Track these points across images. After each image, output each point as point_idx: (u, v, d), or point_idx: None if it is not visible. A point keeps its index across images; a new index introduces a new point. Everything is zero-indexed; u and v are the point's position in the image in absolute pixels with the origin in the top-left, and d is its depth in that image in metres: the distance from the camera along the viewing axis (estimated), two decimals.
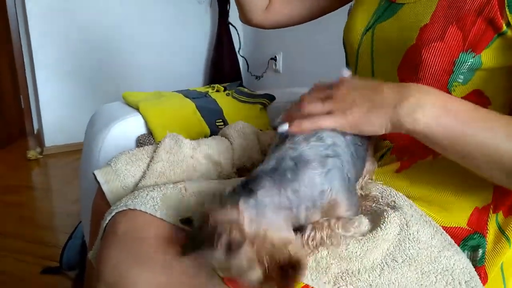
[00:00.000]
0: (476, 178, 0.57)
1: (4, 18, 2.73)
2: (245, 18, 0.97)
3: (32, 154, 2.57)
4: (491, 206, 0.66)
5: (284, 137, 0.53)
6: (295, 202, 0.47)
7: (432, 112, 0.52)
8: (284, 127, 0.54)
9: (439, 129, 0.52)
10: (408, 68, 0.65)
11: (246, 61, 3.04)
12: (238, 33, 2.93)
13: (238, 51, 2.97)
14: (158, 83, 2.82)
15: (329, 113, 0.55)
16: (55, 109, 2.65)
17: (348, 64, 0.83)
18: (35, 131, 2.96)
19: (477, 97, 0.63)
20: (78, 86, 2.69)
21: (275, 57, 2.75)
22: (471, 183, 0.64)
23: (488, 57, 0.59)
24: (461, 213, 0.66)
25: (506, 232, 0.65)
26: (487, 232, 0.66)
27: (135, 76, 2.83)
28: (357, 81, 0.57)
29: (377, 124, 0.53)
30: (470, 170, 0.56)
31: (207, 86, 1.42)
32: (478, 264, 0.64)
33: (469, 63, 0.59)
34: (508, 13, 0.56)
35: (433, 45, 0.60)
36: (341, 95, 0.55)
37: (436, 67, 0.61)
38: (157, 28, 2.85)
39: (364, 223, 0.56)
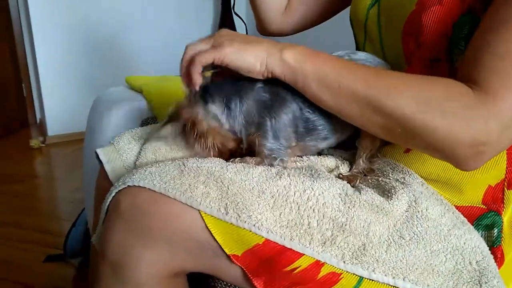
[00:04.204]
0: None
1: (5, 4, 2.70)
2: (262, 29, 0.95)
3: (34, 143, 2.57)
4: (505, 183, 0.65)
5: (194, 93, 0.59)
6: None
7: (300, 51, 0.56)
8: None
9: (306, 64, 0.55)
10: (410, 35, 0.63)
11: None
12: (244, 22, 2.88)
13: None
14: (161, 70, 2.80)
15: (210, 48, 0.58)
16: (58, 98, 2.64)
17: (357, 41, 0.81)
18: (38, 120, 2.95)
19: None
20: (81, 75, 2.67)
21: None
22: None
23: None
24: (474, 192, 0.65)
25: None
26: (503, 210, 0.65)
27: (138, 65, 2.81)
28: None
29: (251, 59, 0.56)
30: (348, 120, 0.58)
31: (211, 70, 1.40)
32: (495, 245, 0.63)
33: (468, 26, 0.58)
34: None
35: (432, 9, 0.59)
36: (220, 35, 0.60)
37: (435, 31, 0.59)
38: (161, 15, 2.83)
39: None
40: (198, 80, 0.58)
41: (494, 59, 0.50)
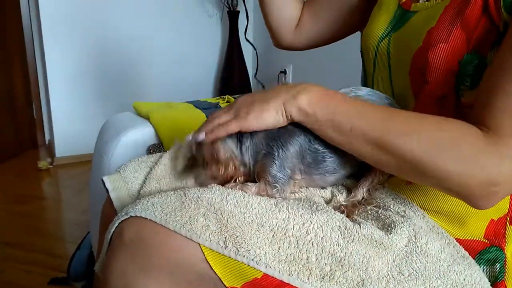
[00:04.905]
0: None
1: (18, 28, 2.76)
2: (276, 41, 0.99)
3: (42, 164, 2.59)
4: (507, 218, 0.65)
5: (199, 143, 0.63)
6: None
7: (314, 94, 0.58)
8: (201, 136, 0.62)
9: (320, 109, 0.58)
10: (417, 71, 0.65)
11: (256, 75, 3.05)
12: (253, 47, 2.94)
13: (256, 71, 2.97)
14: (169, 94, 2.84)
15: (233, 119, 0.62)
16: (67, 120, 2.67)
17: (365, 73, 0.82)
18: (46, 142, 2.98)
19: None
20: (90, 98, 2.71)
21: (285, 70, 2.75)
22: None
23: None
24: (476, 225, 0.65)
25: None
26: (505, 245, 0.65)
27: (147, 88, 2.85)
28: (253, 92, 0.65)
29: (273, 115, 0.60)
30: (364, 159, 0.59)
31: (218, 97, 1.42)
32: (498, 279, 0.63)
33: (474, 64, 0.59)
34: (503, 13, 0.55)
35: (439, 46, 0.60)
36: (239, 103, 0.63)
37: (442, 68, 0.61)
38: (169, 40, 2.88)
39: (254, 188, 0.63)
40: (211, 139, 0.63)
41: (507, 101, 0.51)
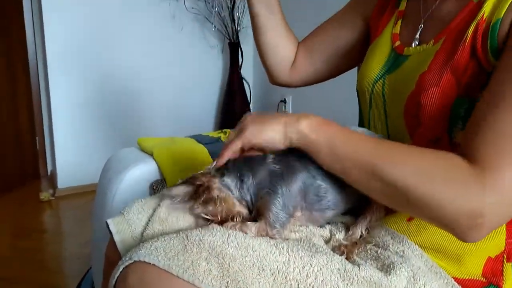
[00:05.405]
0: None
1: (24, 60, 2.82)
2: (272, 79, 1.02)
3: (44, 195, 2.59)
4: (504, 255, 0.66)
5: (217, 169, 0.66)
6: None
7: (314, 121, 0.62)
8: (213, 163, 0.67)
9: (319, 133, 0.61)
10: (411, 113, 0.67)
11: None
12: (248, 83, 2.99)
13: (249, 99, 3.01)
14: (172, 125, 2.88)
15: (236, 136, 0.66)
16: (69, 152, 2.69)
17: (361, 112, 0.84)
18: (49, 172, 2.99)
19: None
20: (92, 129, 2.74)
21: (285, 99, 2.79)
22: None
23: None
24: (474, 264, 0.66)
25: None
26: (503, 283, 0.66)
27: (149, 120, 2.88)
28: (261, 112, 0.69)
29: (271, 133, 0.63)
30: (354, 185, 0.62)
31: (220, 131, 1.44)
32: None
33: (465, 107, 0.61)
34: (491, 57, 0.58)
35: (430, 90, 0.63)
36: (243, 121, 0.67)
37: (434, 112, 0.63)
38: (171, 72, 2.92)
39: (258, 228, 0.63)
40: (223, 162, 0.67)
41: (492, 135, 0.53)
